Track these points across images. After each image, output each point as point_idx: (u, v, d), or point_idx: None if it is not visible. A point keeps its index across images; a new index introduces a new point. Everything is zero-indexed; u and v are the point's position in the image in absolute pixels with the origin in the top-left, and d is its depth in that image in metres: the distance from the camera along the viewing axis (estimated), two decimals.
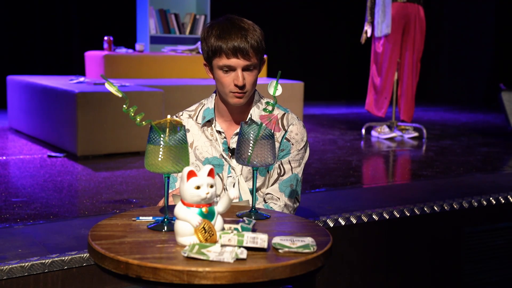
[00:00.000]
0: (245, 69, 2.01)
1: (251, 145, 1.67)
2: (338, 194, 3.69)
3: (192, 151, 2.15)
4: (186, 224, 1.45)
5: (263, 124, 1.67)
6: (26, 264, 2.33)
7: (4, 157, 4.72)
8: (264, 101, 2.17)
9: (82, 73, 7.23)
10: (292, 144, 2.12)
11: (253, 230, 1.56)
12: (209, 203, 1.47)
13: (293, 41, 9.48)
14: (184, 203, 1.46)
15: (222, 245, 1.43)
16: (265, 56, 2.17)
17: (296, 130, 2.13)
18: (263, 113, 1.86)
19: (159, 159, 1.53)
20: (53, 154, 4.82)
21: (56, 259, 2.38)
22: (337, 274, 3.05)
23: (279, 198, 2.10)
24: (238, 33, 1.98)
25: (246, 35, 1.99)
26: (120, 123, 4.83)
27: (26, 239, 2.65)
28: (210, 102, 2.17)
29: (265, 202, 2.11)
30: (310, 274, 1.45)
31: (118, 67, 6.14)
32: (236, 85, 2.01)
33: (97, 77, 6.14)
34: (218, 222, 1.48)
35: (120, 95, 1.59)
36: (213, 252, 1.39)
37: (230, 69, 2.01)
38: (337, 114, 8.11)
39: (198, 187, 1.44)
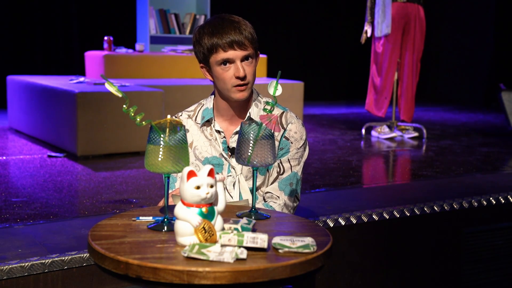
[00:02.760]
0: (243, 59, 2.02)
1: (251, 145, 1.67)
2: (338, 194, 3.69)
3: (192, 151, 2.15)
4: (186, 224, 1.45)
5: (263, 124, 1.67)
6: (26, 264, 2.33)
7: (4, 157, 4.72)
8: (263, 100, 2.17)
9: (82, 73, 7.23)
10: (291, 143, 2.12)
11: (253, 230, 1.56)
12: (209, 203, 1.47)
13: (293, 41, 9.48)
14: (184, 203, 1.46)
15: (222, 245, 1.43)
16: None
17: (295, 129, 2.13)
18: (262, 112, 1.85)
19: (159, 159, 1.53)
20: (53, 154, 4.82)
21: (56, 259, 2.39)
22: (337, 274, 3.05)
23: (278, 197, 2.10)
24: (231, 26, 2.00)
25: (239, 27, 2.01)
26: (120, 123, 4.83)
27: (26, 239, 2.65)
28: (209, 102, 2.17)
29: (265, 201, 2.11)
30: (310, 274, 1.45)
31: (118, 67, 6.14)
32: (237, 77, 2.02)
33: (97, 77, 6.14)
34: (218, 222, 1.48)
35: (120, 95, 1.59)
36: (213, 252, 1.39)
37: (229, 62, 2.01)
38: (337, 114, 8.11)
39: (198, 187, 1.44)
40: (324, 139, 5.92)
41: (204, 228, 1.43)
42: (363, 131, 6.15)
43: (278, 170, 2.12)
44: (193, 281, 1.33)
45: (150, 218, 1.67)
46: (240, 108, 2.12)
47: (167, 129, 1.54)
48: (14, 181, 4.07)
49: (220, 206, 1.51)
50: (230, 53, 2.00)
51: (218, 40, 1.99)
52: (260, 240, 1.44)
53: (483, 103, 9.46)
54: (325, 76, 9.78)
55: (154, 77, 6.28)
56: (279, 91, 1.73)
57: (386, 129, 6.03)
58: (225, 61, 2.01)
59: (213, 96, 2.17)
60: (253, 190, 1.74)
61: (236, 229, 1.50)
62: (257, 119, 2.08)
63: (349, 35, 9.41)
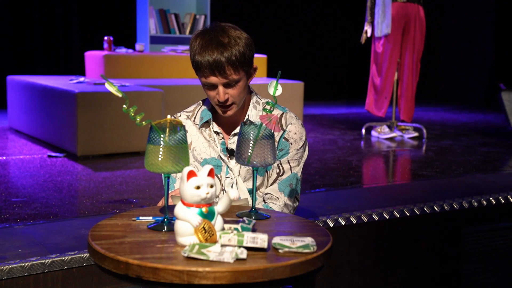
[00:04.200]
0: (226, 85, 1.98)
1: (251, 145, 1.67)
2: (338, 194, 3.69)
3: (190, 152, 2.14)
4: (186, 224, 1.45)
5: (263, 124, 1.67)
6: (26, 264, 2.33)
7: (4, 157, 4.72)
8: (262, 101, 2.16)
9: (82, 73, 7.23)
10: (291, 144, 2.12)
11: (253, 230, 1.56)
12: (209, 203, 1.47)
13: (293, 41, 9.48)
14: (184, 203, 1.46)
15: (222, 245, 1.43)
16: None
17: (294, 130, 2.13)
18: (261, 113, 1.85)
19: (159, 159, 1.53)
20: (53, 154, 4.82)
21: (56, 259, 2.39)
22: (337, 274, 3.05)
23: (278, 198, 2.10)
24: (216, 50, 1.92)
25: (223, 51, 1.92)
26: (120, 123, 4.83)
27: (26, 239, 2.65)
28: (207, 103, 2.17)
29: (265, 202, 2.11)
30: (310, 274, 1.45)
31: (118, 67, 6.14)
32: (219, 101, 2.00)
33: (97, 77, 6.14)
34: (218, 222, 1.48)
35: (120, 95, 1.59)
36: (213, 252, 1.39)
37: (212, 86, 1.99)
38: (337, 114, 8.10)
39: (198, 187, 1.44)
40: (324, 139, 5.92)
41: (204, 228, 1.43)
42: (363, 131, 6.15)
43: (278, 171, 2.11)
44: (193, 281, 1.33)
45: (150, 218, 1.67)
46: (237, 112, 2.11)
47: (167, 129, 1.54)
48: (14, 181, 4.07)
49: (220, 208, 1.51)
50: (211, 79, 1.96)
51: (201, 61, 1.94)
52: (260, 240, 1.44)
53: (483, 103, 9.46)
54: (325, 76, 9.78)
55: (154, 77, 6.28)
56: (279, 91, 1.73)
57: (386, 129, 6.03)
58: (207, 85, 1.99)
59: None
60: (253, 191, 1.74)
61: (236, 229, 1.50)
62: (256, 120, 2.08)
63: (349, 35, 9.41)
